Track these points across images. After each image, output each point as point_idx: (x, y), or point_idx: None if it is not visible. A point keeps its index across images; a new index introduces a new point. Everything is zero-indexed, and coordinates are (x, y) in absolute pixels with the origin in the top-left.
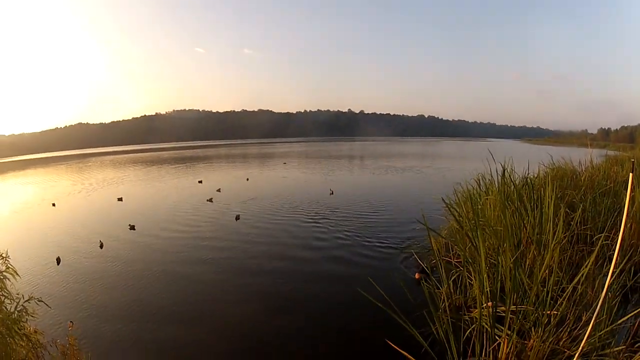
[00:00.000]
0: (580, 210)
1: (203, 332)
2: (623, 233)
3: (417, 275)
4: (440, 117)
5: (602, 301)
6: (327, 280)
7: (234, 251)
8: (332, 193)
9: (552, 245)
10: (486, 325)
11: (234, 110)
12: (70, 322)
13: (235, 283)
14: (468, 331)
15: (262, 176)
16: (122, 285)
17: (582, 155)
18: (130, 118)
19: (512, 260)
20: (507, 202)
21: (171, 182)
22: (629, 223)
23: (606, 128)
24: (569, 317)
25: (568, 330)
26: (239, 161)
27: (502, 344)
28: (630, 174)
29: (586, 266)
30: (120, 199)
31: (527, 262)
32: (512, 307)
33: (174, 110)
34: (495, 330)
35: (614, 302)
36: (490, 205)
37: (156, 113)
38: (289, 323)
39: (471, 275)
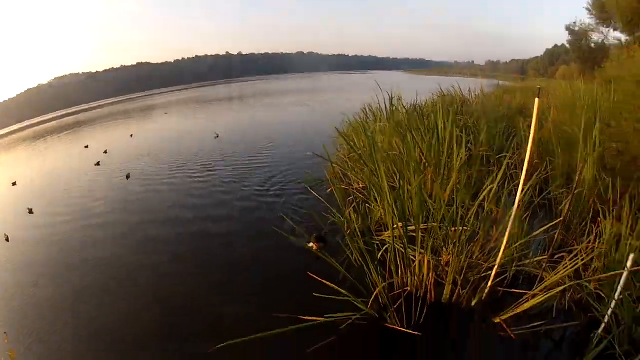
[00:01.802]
0: (474, 134)
1: (116, 302)
2: (531, 151)
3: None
4: (319, 53)
5: (514, 214)
6: (238, 219)
7: (126, 212)
8: (218, 136)
9: (457, 165)
10: (399, 246)
11: (112, 68)
12: (5, 332)
13: (135, 241)
14: (380, 253)
15: (145, 130)
16: (36, 276)
17: (471, 85)
18: None
19: (416, 181)
20: (398, 128)
21: (60, 153)
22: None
23: (495, 60)
24: (479, 233)
25: (480, 245)
26: (122, 118)
27: (419, 262)
28: (537, 99)
29: (491, 183)
30: (14, 184)
31: (428, 185)
32: (422, 226)
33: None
34: (409, 250)
35: (524, 217)
36: (380, 132)
37: None
38: (198, 277)
39: (371, 202)
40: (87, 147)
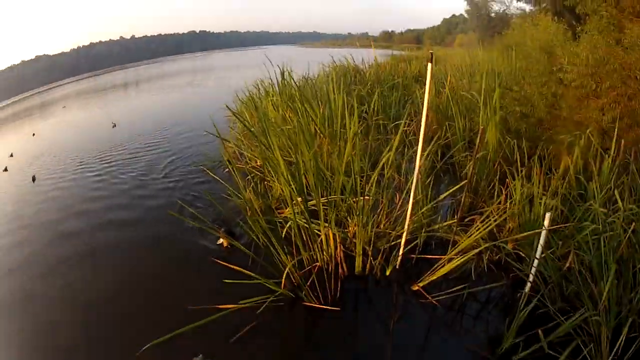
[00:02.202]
0: (368, 103)
1: (31, 308)
2: (427, 116)
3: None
4: (212, 31)
5: (416, 179)
6: (135, 210)
7: (35, 215)
8: (115, 126)
9: (351, 135)
10: (301, 222)
11: (13, 65)
12: None
13: (42, 244)
14: (284, 230)
15: (46, 127)
16: None
17: (364, 55)
18: None
19: (310, 154)
20: (289, 102)
21: None
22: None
23: (390, 31)
24: (382, 202)
25: (385, 213)
26: (24, 116)
27: (324, 235)
28: (429, 64)
29: (389, 151)
30: None
31: (325, 157)
32: (323, 200)
33: None
34: (313, 225)
35: (428, 182)
36: (272, 107)
37: None
38: (123, 272)
39: (269, 179)
40: (34, 134)
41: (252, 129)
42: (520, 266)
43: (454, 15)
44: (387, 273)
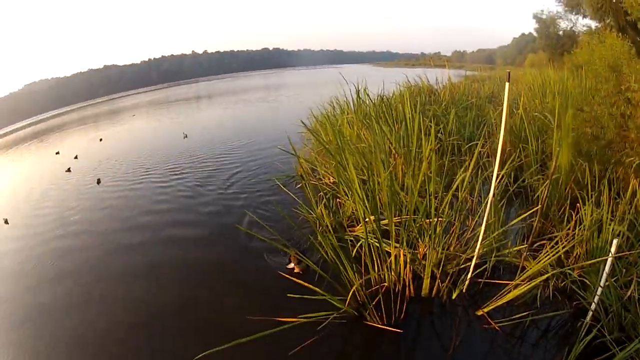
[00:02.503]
0: (443, 123)
1: (92, 313)
2: (504, 138)
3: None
4: (285, 49)
5: (490, 202)
6: (205, 224)
7: (98, 219)
8: (186, 137)
9: (427, 153)
10: (372, 241)
11: (80, 72)
12: None
13: (106, 250)
14: (355, 249)
15: (114, 133)
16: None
17: (438, 75)
18: None
19: (386, 173)
20: (365, 120)
21: (30, 161)
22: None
23: (461, 50)
24: (455, 224)
25: (456, 236)
26: (91, 122)
27: (394, 256)
28: (507, 83)
29: (464, 171)
30: None
31: (399, 176)
32: (395, 219)
33: None
34: (384, 244)
35: (500, 206)
36: (347, 124)
37: None
38: (182, 285)
39: (341, 196)
40: (57, 153)
41: (327, 146)
42: (584, 294)
43: (523, 34)
44: (454, 297)
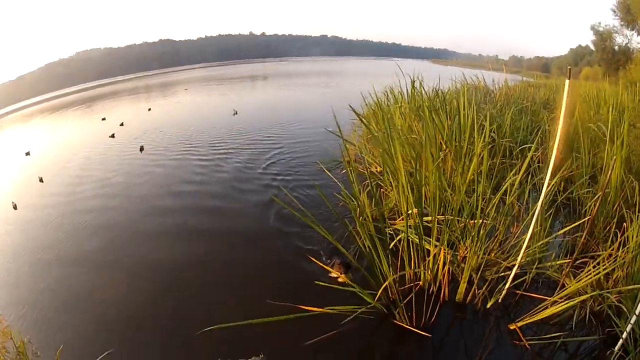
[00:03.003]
0: (497, 123)
1: (127, 275)
2: (560, 141)
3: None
4: (344, 37)
5: (539, 210)
6: (239, 200)
7: (136, 184)
8: (236, 113)
9: (479, 150)
10: (413, 236)
11: (135, 44)
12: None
13: (141, 214)
14: (393, 243)
15: (164, 105)
16: (43, 242)
17: (495, 77)
18: None
19: (434, 165)
20: (419, 112)
21: (76, 125)
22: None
23: (519, 56)
24: (499, 229)
25: (499, 242)
26: (142, 92)
27: (433, 254)
28: (567, 80)
29: (514, 174)
30: (27, 154)
31: (448, 172)
32: (439, 217)
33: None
34: (424, 241)
35: (546, 215)
36: (400, 115)
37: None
38: (208, 254)
39: (385, 187)
40: (104, 119)
41: (376, 134)
42: (618, 321)
43: (580, 46)
44: (489, 305)
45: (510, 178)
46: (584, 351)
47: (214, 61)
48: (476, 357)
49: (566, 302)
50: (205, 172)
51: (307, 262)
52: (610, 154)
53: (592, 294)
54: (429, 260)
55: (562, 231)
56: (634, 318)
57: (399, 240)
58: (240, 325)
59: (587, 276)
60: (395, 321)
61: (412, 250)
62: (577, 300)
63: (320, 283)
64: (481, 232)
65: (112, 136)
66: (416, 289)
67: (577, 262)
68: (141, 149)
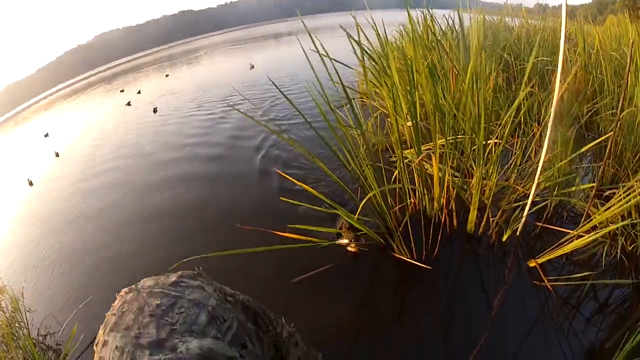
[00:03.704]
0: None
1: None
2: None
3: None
4: None
5: (552, 122)
6: (234, 148)
7: (151, 143)
8: (253, 67)
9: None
10: (411, 156)
11: (153, 19)
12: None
13: (152, 164)
14: (397, 172)
15: (181, 70)
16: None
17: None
18: None
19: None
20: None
21: (96, 101)
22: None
23: (543, 4)
24: (515, 151)
25: (516, 168)
26: (164, 62)
27: (438, 179)
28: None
29: (523, 90)
30: (46, 135)
31: (456, 95)
32: (441, 141)
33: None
34: (427, 166)
35: (567, 137)
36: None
37: None
38: (199, 200)
39: (390, 116)
40: (122, 91)
41: (373, 55)
42: None
43: None
44: (504, 238)
45: (523, 93)
46: (617, 299)
47: (236, 26)
48: (491, 295)
49: (594, 233)
50: (209, 124)
51: (301, 192)
52: (634, 78)
53: (623, 223)
54: (434, 187)
55: (583, 149)
56: None
57: (404, 169)
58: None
59: (618, 202)
60: (394, 254)
61: (415, 176)
62: (605, 231)
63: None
64: (495, 151)
65: (129, 104)
66: (421, 220)
67: (606, 195)
68: (154, 110)
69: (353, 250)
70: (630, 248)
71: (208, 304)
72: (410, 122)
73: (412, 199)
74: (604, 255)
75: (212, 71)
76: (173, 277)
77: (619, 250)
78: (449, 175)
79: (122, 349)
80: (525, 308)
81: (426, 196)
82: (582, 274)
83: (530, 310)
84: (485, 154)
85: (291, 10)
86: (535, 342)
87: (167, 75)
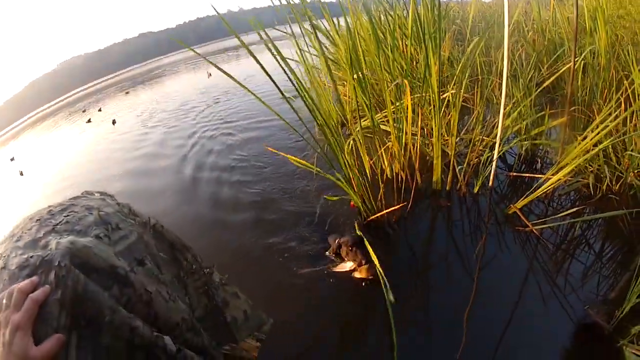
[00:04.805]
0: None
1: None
2: None
3: None
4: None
5: (507, 62)
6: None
7: (107, 152)
8: (210, 75)
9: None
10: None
11: (115, 43)
12: None
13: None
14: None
15: (142, 86)
16: None
17: None
18: None
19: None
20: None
21: (63, 122)
22: None
23: None
24: (476, 105)
25: (478, 119)
26: (127, 82)
27: (395, 137)
28: None
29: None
30: (12, 159)
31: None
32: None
33: None
34: (382, 125)
35: (529, 82)
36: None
37: None
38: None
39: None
40: (84, 111)
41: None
42: None
43: None
44: (476, 190)
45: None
46: (610, 239)
47: (197, 43)
48: (471, 249)
49: (567, 169)
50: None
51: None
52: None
53: (601, 146)
54: (392, 146)
55: (547, 82)
56: None
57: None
58: None
59: (593, 133)
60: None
61: (375, 139)
62: (584, 159)
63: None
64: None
65: (89, 121)
66: (383, 180)
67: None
68: (113, 122)
69: (362, 276)
70: (617, 187)
71: (102, 209)
72: (356, 75)
73: (375, 163)
74: (591, 189)
75: (174, 84)
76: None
77: (603, 189)
78: (407, 131)
79: (1, 255)
80: (512, 256)
81: (384, 155)
82: (569, 211)
83: (517, 258)
84: (444, 105)
85: (245, 24)
86: (529, 291)
87: (127, 93)
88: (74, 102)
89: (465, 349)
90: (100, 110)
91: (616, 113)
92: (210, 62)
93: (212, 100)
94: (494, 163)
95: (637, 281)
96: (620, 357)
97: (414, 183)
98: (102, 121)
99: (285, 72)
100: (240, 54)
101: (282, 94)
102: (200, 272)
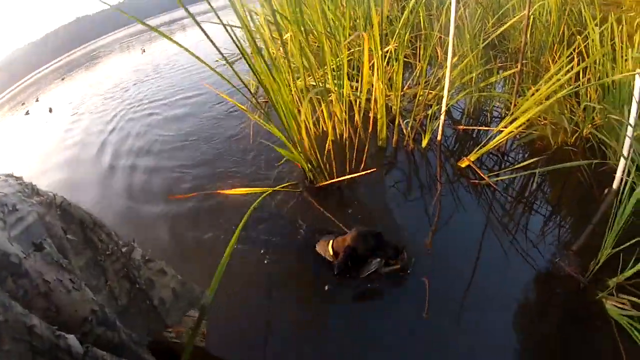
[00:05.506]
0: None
1: None
2: None
3: None
4: None
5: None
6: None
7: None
8: (144, 51)
9: None
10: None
11: (52, 31)
12: None
13: None
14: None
15: (80, 70)
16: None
17: None
18: None
19: None
20: None
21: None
22: None
23: None
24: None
25: (423, 73)
26: (64, 67)
27: (335, 100)
28: None
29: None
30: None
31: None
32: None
33: None
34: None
35: (475, 35)
36: None
37: None
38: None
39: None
40: (23, 104)
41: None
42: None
43: None
44: (424, 144)
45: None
46: (577, 194)
47: (131, 22)
48: (427, 204)
49: (519, 121)
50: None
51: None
52: None
53: (557, 97)
54: (332, 105)
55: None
56: (626, 143)
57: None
58: None
59: (546, 85)
60: (312, 185)
61: (314, 102)
62: (535, 111)
63: None
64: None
65: (27, 113)
66: (329, 145)
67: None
68: (50, 110)
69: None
70: (572, 139)
71: (0, 190)
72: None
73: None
74: (549, 140)
75: (109, 65)
76: None
77: (559, 141)
78: (347, 88)
79: None
80: (469, 210)
81: (325, 116)
82: (524, 163)
83: (474, 212)
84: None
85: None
86: (491, 244)
87: (63, 79)
88: (13, 96)
89: (430, 307)
90: (37, 100)
91: (568, 67)
92: (163, 33)
93: (143, 76)
94: (442, 115)
95: (611, 231)
96: (601, 309)
97: (358, 141)
98: (39, 112)
99: (228, 32)
100: (173, 29)
101: (221, 54)
102: (118, 252)
